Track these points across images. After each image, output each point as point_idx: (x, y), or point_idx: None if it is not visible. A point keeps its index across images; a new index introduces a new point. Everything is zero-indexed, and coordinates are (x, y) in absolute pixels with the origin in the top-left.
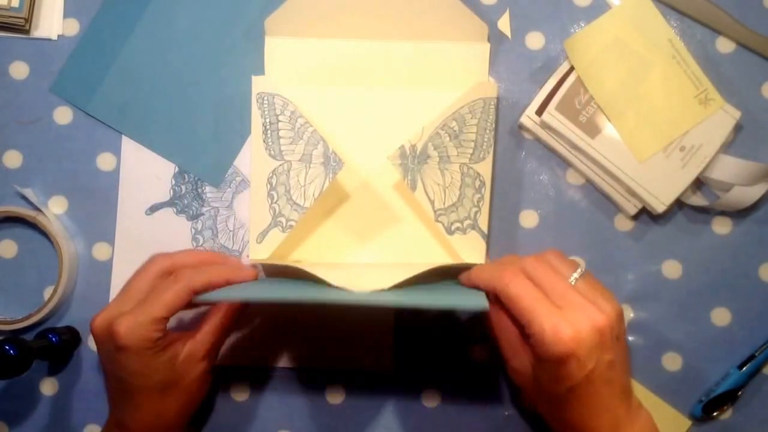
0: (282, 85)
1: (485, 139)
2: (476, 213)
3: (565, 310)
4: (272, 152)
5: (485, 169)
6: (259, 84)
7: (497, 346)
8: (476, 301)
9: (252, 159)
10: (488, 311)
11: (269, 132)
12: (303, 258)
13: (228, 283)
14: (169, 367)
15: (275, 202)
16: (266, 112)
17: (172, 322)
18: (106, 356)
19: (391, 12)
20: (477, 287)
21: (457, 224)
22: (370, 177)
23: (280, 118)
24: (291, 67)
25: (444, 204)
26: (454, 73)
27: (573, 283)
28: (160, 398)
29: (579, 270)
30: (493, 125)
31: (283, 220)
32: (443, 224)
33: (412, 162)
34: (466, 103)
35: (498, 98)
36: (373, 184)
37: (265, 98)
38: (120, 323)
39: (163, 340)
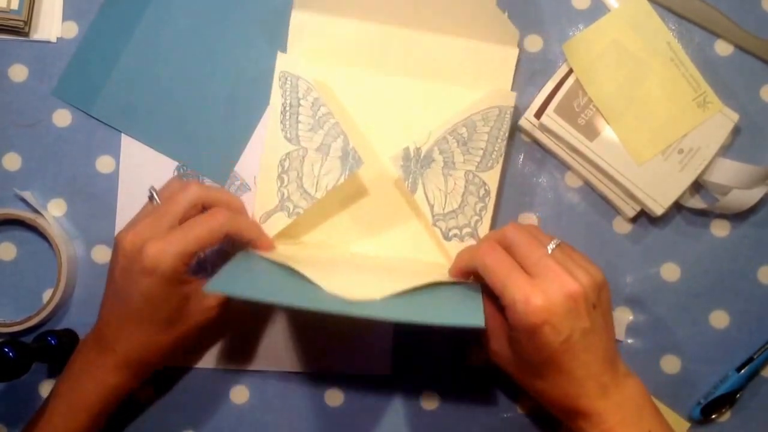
0: (304, 62)
1: (495, 148)
2: (477, 221)
3: (539, 279)
4: (289, 135)
5: (492, 178)
6: (283, 62)
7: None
8: (472, 318)
9: (266, 137)
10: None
11: (288, 114)
12: (305, 240)
13: (251, 243)
14: (182, 304)
15: (285, 186)
16: (288, 93)
17: None
18: (125, 275)
19: (425, 1)
20: (462, 273)
21: (455, 231)
22: (382, 171)
23: (302, 102)
24: (314, 45)
25: (444, 209)
26: (480, 72)
27: (550, 251)
28: (163, 331)
29: (554, 241)
30: (506, 134)
31: (291, 205)
32: (441, 229)
33: (414, 165)
34: (479, 110)
35: (515, 107)
36: (385, 178)
37: (289, 79)
38: (151, 246)
39: (186, 275)
